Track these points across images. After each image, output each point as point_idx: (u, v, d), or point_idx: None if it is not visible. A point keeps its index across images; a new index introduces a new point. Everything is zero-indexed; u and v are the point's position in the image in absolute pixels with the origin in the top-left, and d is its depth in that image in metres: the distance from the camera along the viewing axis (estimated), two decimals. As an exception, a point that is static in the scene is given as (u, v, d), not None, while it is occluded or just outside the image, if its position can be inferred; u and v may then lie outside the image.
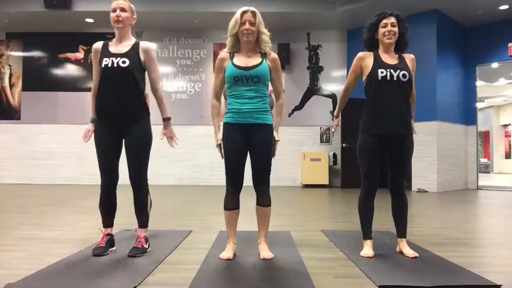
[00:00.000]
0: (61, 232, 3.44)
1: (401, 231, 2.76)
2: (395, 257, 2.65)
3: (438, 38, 7.66)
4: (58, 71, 9.04)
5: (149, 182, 2.82)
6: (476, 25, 8.31)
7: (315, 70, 9.00)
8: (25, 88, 9.02)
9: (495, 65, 8.39)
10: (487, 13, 7.73)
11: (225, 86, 2.67)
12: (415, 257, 2.61)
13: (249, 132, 2.57)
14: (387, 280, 2.16)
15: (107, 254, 2.66)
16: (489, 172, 15.09)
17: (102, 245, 2.69)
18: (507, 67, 8.46)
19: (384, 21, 2.68)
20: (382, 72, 2.64)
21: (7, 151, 8.87)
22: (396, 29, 2.67)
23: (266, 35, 2.58)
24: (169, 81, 8.99)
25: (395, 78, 2.63)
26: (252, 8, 2.54)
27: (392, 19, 2.68)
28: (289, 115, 8.83)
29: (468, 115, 8.50)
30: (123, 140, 2.74)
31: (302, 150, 8.71)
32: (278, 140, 2.64)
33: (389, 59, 2.71)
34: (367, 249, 2.71)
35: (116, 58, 2.66)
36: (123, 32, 2.73)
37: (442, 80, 7.73)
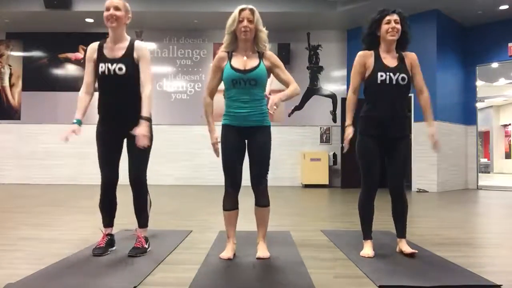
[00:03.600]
0: (61, 232, 3.44)
1: (401, 232, 2.75)
2: (395, 257, 2.65)
3: (438, 38, 7.66)
4: (58, 71, 9.03)
5: (149, 182, 2.82)
6: (476, 25, 8.30)
7: (315, 70, 9.00)
8: (25, 88, 9.02)
9: (495, 65, 8.39)
10: (487, 13, 7.73)
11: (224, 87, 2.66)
12: (413, 253, 2.62)
13: (247, 133, 2.60)
14: (387, 280, 2.16)
15: (107, 254, 2.66)
16: (489, 172, 15.08)
17: (102, 245, 2.69)
18: (507, 67, 8.45)
19: (388, 17, 2.66)
20: (381, 76, 2.64)
21: (7, 151, 8.87)
22: (399, 26, 2.65)
23: (264, 33, 2.57)
24: (169, 81, 8.99)
25: (394, 82, 2.64)
26: (250, 6, 2.54)
27: (395, 16, 2.66)
28: (289, 115, 8.83)
29: (468, 115, 8.50)
30: (125, 140, 2.73)
31: (302, 150, 8.71)
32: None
33: (390, 60, 2.70)
34: (367, 249, 2.71)
35: (112, 65, 2.61)
36: (117, 31, 2.65)
37: (442, 80, 7.73)
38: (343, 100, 8.49)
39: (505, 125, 15.90)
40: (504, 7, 7.40)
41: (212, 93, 2.68)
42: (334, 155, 8.67)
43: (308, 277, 2.20)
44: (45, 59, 9.05)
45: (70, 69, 9.03)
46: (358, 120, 2.79)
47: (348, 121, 2.78)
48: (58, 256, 2.59)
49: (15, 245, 2.97)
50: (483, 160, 15.38)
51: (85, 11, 8.04)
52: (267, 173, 2.63)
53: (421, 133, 7.71)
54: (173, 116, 8.76)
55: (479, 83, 8.54)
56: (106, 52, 2.67)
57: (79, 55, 9.00)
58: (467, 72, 8.48)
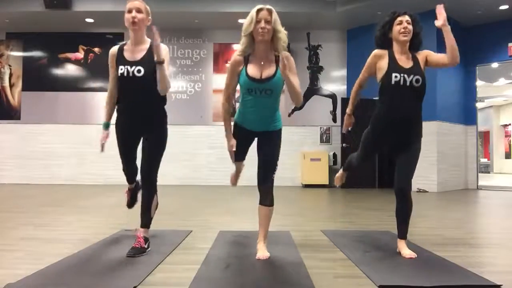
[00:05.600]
0: (61, 232, 3.44)
1: (402, 232, 2.75)
2: (395, 257, 2.65)
3: (438, 38, 7.58)
4: (58, 71, 9.03)
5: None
6: (476, 25, 8.30)
7: (315, 70, 9.00)
8: (25, 88, 9.01)
9: (495, 65, 8.39)
10: (487, 13, 7.72)
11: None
12: (412, 258, 2.61)
13: (258, 135, 2.69)
14: (387, 280, 2.15)
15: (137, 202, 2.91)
16: (489, 172, 15.08)
17: (128, 200, 3.14)
18: (507, 67, 8.46)
19: (399, 18, 2.66)
20: (396, 77, 2.63)
21: (7, 151, 8.87)
22: (411, 26, 2.65)
23: (283, 34, 2.50)
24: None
25: (408, 84, 2.63)
26: (268, 6, 2.46)
27: (407, 17, 2.67)
28: (289, 115, 8.83)
29: (468, 115, 8.50)
30: (142, 137, 2.80)
31: (302, 150, 8.71)
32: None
33: (404, 60, 2.69)
34: (341, 173, 3.26)
35: (131, 67, 2.64)
36: (138, 34, 2.69)
37: (442, 80, 7.73)
38: (343, 100, 8.49)
39: (505, 125, 15.89)
40: (504, 7, 7.40)
41: (230, 98, 2.69)
42: (334, 155, 8.67)
43: (308, 277, 2.20)
44: (45, 59, 9.04)
45: (70, 69, 9.03)
46: (371, 118, 2.83)
47: (348, 110, 2.86)
48: (58, 256, 2.59)
49: (15, 245, 2.97)
50: (483, 160, 15.39)
51: (85, 11, 8.04)
52: (274, 173, 2.65)
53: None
54: (173, 116, 8.64)
55: (479, 83, 8.54)
56: (126, 54, 2.71)
57: (79, 55, 9.00)
58: (467, 72, 8.48)
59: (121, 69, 2.66)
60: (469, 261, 2.60)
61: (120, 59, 2.70)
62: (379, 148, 2.87)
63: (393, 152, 2.80)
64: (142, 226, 2.77)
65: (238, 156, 2.77)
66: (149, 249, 2.74)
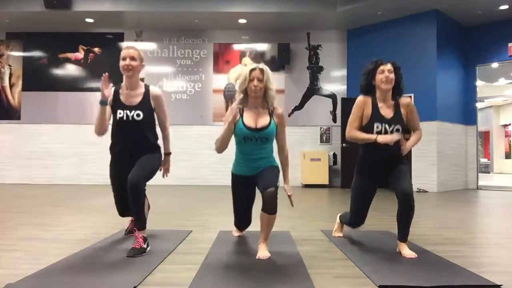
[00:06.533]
0: (61, 232, 3.44)
1: (403, 236, 2.73)
2: (395, 257, 2.65)
3: (438, 38, 7.65)
4: (58, 71, 9.03)
5: (149, 182, 2.82)
6: (476, 25, 8.30)
7: (315, 70, 9.00)
8: (25, 88, 9.02)
9: (495, 65, 8.38)
10: (487, 13, 7.73)
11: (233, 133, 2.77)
12: (412, 258, 2.60)
13: (255, 176, 2.78)
14: (387, 280, 2.16)
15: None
16: (489, 172, 15.08)
17: (130, 227, 3.16)
18: (507, 67, 8.46)
19: (382, 67, 2.81)
20: (377, 127, 2.80)
21: (7, 151, 8.87)
22: (393, 75, 2.80)
23: (273, 91, 2.75)
24: (169, 81, 8.99)
25: (389, 133, 2.78)
26: (260, 66, 2.70)
27: (389, 66, 2.80)
28: (289, 115, 8.83)
29: (468, 115, 8.50)
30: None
31: (302, 150, 8.71)
32: (291, 194, 2.82)
33: (386, 109, 2.83)
34: (338, 230, 3.34)
35: (130, 111, 2.80)
36: (133, 79, 2.83)
37: (442, 80, 7.73)
38: (343, 100, 8.49)
39: (505, 125, 15.89)
40: (504, 7, 7.40)
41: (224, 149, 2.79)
42: (334, 155, 8.67)
43: (308, 277, 2.20)
44: (45, 59, 9.05)
45: (70, 69, 9.03)
46: (356, 165, 2.98)
47: (371, 136, 2.77)
48: (58, 256, 2.59)
49: (15, 245, 2.97)
50: (483, 160, 15.38)
51: (85, 11, 8.05)
52: (277, 181, 2.68)
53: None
54: (173, 116, 8.65)
55: (479, 83, 8.54)
56: (122, 98, 2.84)
57: (79, 55, 9.00)
58: (467, 72, 8.48)
59: (120, 113, 2.80)
60: (469, 261, 2.60)
61: (117, 102, 2.83)
62: (371, 191, 2.95)
63: (385, 179, 2.87)
64: (138, 229, 2.76)
65: (240, 214, 2.96)
66: (149, 249, 2.74)
